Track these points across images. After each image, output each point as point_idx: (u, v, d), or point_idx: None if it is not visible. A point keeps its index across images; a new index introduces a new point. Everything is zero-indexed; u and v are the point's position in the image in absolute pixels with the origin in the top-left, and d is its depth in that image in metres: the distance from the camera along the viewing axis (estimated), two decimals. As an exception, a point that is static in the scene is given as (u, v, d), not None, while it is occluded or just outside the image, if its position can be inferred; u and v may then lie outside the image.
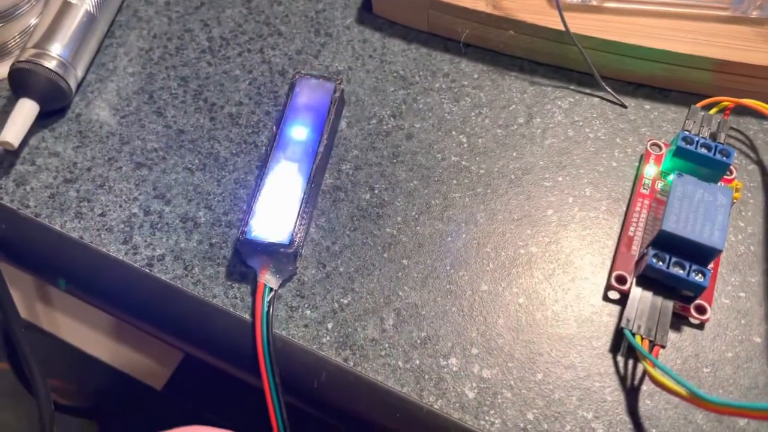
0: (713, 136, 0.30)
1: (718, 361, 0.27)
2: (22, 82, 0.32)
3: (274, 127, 0.31)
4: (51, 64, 0.32)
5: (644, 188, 0.31)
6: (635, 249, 0.29)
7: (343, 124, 0.34)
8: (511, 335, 0.28)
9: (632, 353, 0.27)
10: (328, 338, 0.28)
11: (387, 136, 0.33)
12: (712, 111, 0.32)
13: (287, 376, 0.27)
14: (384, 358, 0.27)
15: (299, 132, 0.31)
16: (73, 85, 0.33)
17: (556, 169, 0.32)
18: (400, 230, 0.30)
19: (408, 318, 0.28)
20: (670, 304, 0.27)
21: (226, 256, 0.30)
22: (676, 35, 0.33)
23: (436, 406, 0.26)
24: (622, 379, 0.27)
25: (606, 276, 0.29)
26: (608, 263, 0.30)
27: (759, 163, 0.32)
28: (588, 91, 0.35)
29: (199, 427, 0.22)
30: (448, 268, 0.29)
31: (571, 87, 0.35)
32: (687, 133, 0.30)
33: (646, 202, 0.30)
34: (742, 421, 0.26)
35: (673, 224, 0.26)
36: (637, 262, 0.29)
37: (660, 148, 0.32)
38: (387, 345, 0.28)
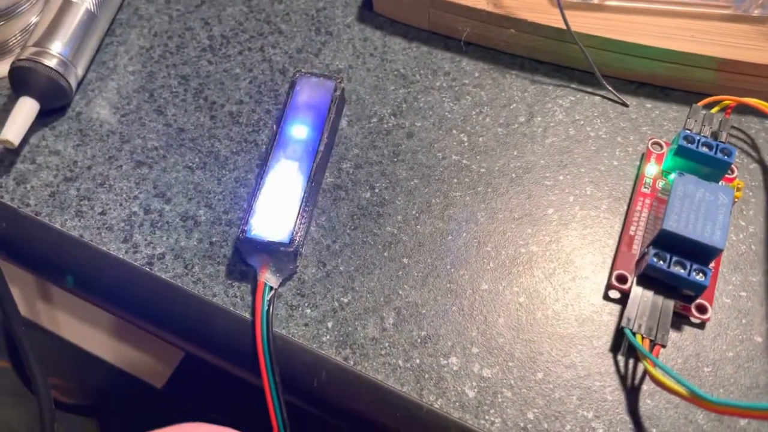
0: (715, 135, 0.30)
1: (719, 361, 0.27)
2: (22, 80, 0.32)
3: (275, 126, 0.31)
4: (51, 63, 0.32)
5: (645, 187, 0.31)
6: (636, 248, 0.29)
7: (343, 122, 0.33)
8: (511, 334, 0.28)
9: (633, 352, 0.27)
10: (328, 337, 0.28)
11: (387, 134, 0.33)
12: (714, 110, 0.32)
13: (287, 375, 0.27)
14: (384, 357, 0.27)
15: (300, 131, 0.31)
16: (73, 83, 0.33)
17: (557, 168, 0.32)
18: (401, 229, 0.30)
19: (408, 317, 0.28)
20: (670, 304, 0.27)
21: (227, 255, 0.30)
22: (678, 34, 0.33)
23: (436, 406, 0.26)
24: (623, 378, 0.27)
25: (607, 275, 0.29)
26: (609, 262, 0.29)
27: (760, 162, 0.32)
28: (589, 89, 0.35)
29: (196, 424, 0.22)
30: (448, 267, 0.29)
31: (573, 86, 0.35)
32: (688, 132, 0.29)
33: (647, 201, 0.30)
34: (743, 421, 0.26)
35: (674, 223, 0.26)
36: (638, 262, 0.28)
37: (661, 146, 0.32)
38: (387, 344, 0.28)
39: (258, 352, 0.27)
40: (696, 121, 0.30)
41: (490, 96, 0.34)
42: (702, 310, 0.28)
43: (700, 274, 0.26)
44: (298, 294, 0.29)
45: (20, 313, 0.32)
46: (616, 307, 0.28)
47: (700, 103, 0.31)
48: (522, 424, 0.26)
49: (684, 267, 0.26)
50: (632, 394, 0.27)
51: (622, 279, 0.28)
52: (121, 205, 0.31)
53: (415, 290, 0.29)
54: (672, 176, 0.30)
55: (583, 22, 0.33)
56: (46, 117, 0.33)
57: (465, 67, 0.35)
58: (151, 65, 0.35)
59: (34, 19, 0.35)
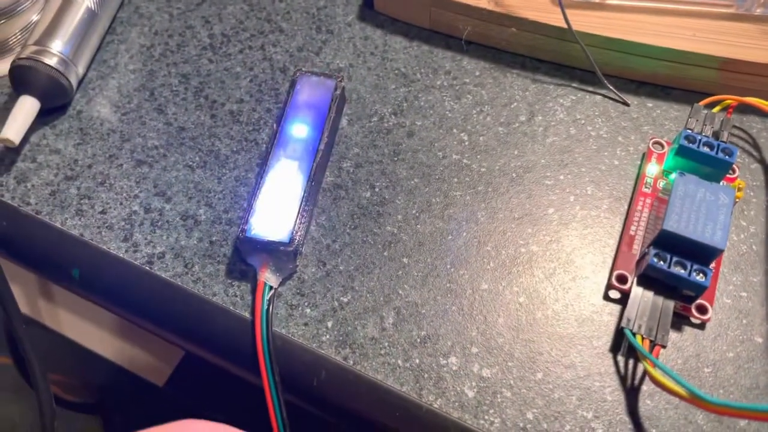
0: (716, 135, 0.30)
1: (719, 361, 0.27)
2: (23, 79, 0.32)
3: (275, 125, 0.31)
4: (52, 61, 0.32)
5: (646, 187, 0.31)
6: (636, 248, 0.29)
7: (344, 121, 0.33)
8: (511, 334, 0.28)
9: (633, 353, 0.27)
10: (327, 337, 0.28)
11: (388, 133, 0.33)
12: (715, 109, 0.32)
13: (287, 374, 0.27)
14: (384, 357, 0.27)
15: (300, 130, 0.31)
16: (74, 82, 0.33)
17: (557, 168, 0.32)
18: (401, 228, 0.30)
19: (408, 317, 0.28)
20: (671, 304, 0.27)
21: (227, 254, 0.30)
22: (679, 33, 0.33)
23: (435, 405, 0.26)
24: (623, 378, 0.27)
25: (607, 275, 0.29)
26: (609, 262, 0.29)
27: (762, 161, 0.32)
28: (590, 88, 0.34)
29: (194, 421, 0.22)
30: (448, 266, 0.29)
31: (574, 85, 0.35)
32: (689, 131, 0.29)
33: (648, 201, 0.30)
34: (743, 422, 0.26)
35: (674, 223, 0.26)
36: (638, 262, 0.28)
37: (662, 146, 0.32)
38: (387, 344, 0.28)
39: (258, 351, 0.27)
40: (697, 120, 0.30)
41: (491, 95, 0.34)
42: (702, 310, 0.28)
43: (701, 275, 0.26)
44: (298, 293, 0.29)
45: (20, 310, 0.32)
46: (616, 308, 0.28)
47: (702, 103, 0.31)
48: (521, 425, 0.26)
49: (684, 267, 0.26)
50: (632, 394, 0.27)
51: (622, 279, 0.28)
52: (121, 204, 0.31)
53: (414, 290, 0.29)
54: (673, 176, 0.30)
55: (584, 21, 0.33)
56: (46, 116, 0.33)
57: (466, 66, 0.35)
58: (151, 64, 0.35)
59: (34, 18, 0.35)
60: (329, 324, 0.28)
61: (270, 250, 0.28)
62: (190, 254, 0.30)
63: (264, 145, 0.33)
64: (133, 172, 0.32)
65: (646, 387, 0.27)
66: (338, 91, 0.32)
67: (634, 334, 0.26)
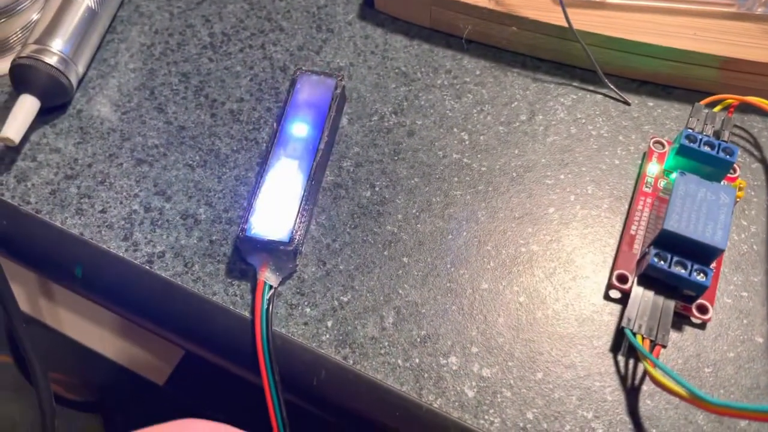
0: (717, 134, 0.30)
1: (720, 361, 0.27)
2: (23, 78, 0.32)
3: (275, 124, 0.31)
4: (52, 60, 0.32)
5: (647, 186, 0.31)
6: (637, 248, 0.29)
7: (344, 120, 0.33)
8: (511, 334, 0.28)
9: (633, 353, 0.27)
10: (327, 336, 0.28)
11: (388, 133, 0.33)
12: (716, 108, 0.32)
13: (286, 373, 0.27)
14: (383, 357, 0.27)
15: (300, 129, 0.31)
16: (74, 81, 0.33)
17: (558, 167, 0.32)
18: (401, 228, 0.30)
19: (408, 316, 0.28)
20: (671, 304, 0.27)
21: (226, 254, 0.30)
22: (681, 32, 0.33)
23: (435, 405, 0.26)
24: (623, 378, 0.27)
25: (607, 275, 0.29)
26: (610, 262, 0.29)
27: (763, 161, 0.32)
28: (591, 88, 0.34)
29: (194, 421, 0.22)
30: (448, 266, 0.29)
31: (574, 84, 0.35)
32: (690, 130, 0.29)
33: (649, 200, 0.30)
34: (743, 422, 0.26)
35: (675, 223, 0.26)
36: (639, 261, 0.28)
37: (663, 145, 0.31)
38: (387, 343, 0.28)
39: (258, 351, 0.27)
40: (698, 119, 0.30)
41: (492, 94, 0.34)
42: (703, 310, 0.27)
43: (701, 275, 0.26)
44: (298, 293, 0.29)
45: (20, 309, 0.32)
46: (617, 307, 0.28)
47: (703, 102, 0.31)
48: (521, 424, 0.26)
49: (685, 267, 0.26)
50: (632, 394, 0.27)
51: (622, 279, 0.28)
52: (121, 203, 0.31)
53: (414, 289, 0.29)
54: (673, 175, 0.30)
55: (585, 20, 0.33)
56: (46, 114, 0.33)
57: (466, 65, 0.35)
58: (151, 63, 0.35)
59: (35, 17, 0.35)
60: (329, 323, 0.28)
61: (270, 249, 0.28)
62: (190, 253, 0.30)
63: (264, 144, 0.33)
64: (133, 171, 0.32)
65: (647, 387, 0.27)
66: (338, 90, 0.32)
67: (634, 334, 0.26)
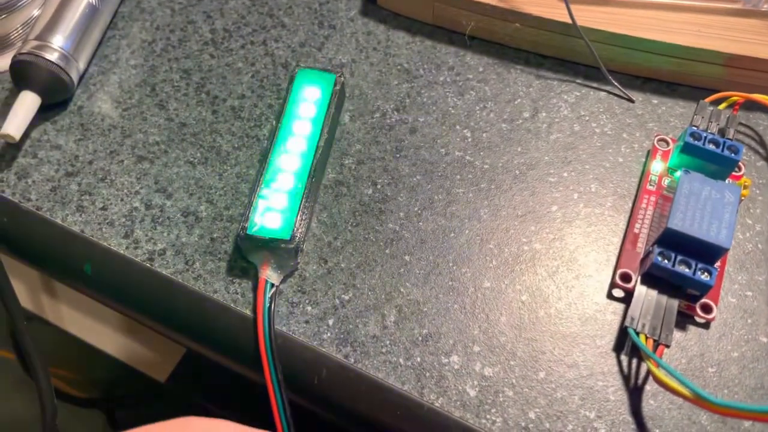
0: (722, 132, 0.30)
1: (724, 361, 0.27)
2: (23, 74, 0.32)
3: (274, 121, 0.31)
4: (53, 57, 0.32)
5: (651, 185, 0.30)
6: (641, 246, 0.29)
7: (346, 117, 0.33)
8: (513, 333, 0.28)
9: (636, 352, 0.27)
10: (328, 335, 0.28)
11: (390, 130, 0.33)
12: (721, 106, 0.31)
13: (287, 372, 0.27)
14: (385, 355, 0.27)
15: (299, 126, 0.30)
16: (75, 77, 0.33)
17: (561, 165, 0.32)
18: (403, 226, 0.30)
19: (409, 315, 0.28)
20: (675, 303, 0.27)
21: (227, 251, 0.30)
22: (685, 28, 0.32)
23: (437, 404, 0.26)
24: (626, 378, 0.27)
25: (610, 274, 0.29)
26: (613, 261, 0.29)
27: (768, 159, 0.32)
28: (595, 85, 0.34)
29: (195, 418, 0.22)
30: (450, 264, 0.29)
31: (578, 81, 0.34)
32: (695, 128, 0.29)
33: (653, 198, 0.30)
34: (747, 422, 0.26)
35: (679, 222, 0.26)
36: (643, 260, 0.28)
37: (667, 143, 0.31)
38: (388, 342, 0.27)
39: (260, 350, 0.27)
40: (703, 117, 0.30)
41: (495, 91, 0.34)
42: (707, 309, 0.27)
43: (706, 274, 0.26)
44: (299, 291, 0.29)
45: (21, 306, 0.32)
46: (620, 306, 0.28)
47: (708, 100, 0.31)
48: (523, 424, 0.26)
49: (689, 266, 0.26)
50: (635, 394, 0.26)
51: (626, 278, 0.28)
52: (122, 200, 0.31)
53: (416, 288, 0.29)
54: (678, 174, 0.30)
55: (588, 17, 0.33)
56: (47, 111, 0.33)
57: (469, 61, 0.35)
58: (153, 59, 0.35)
59: (35, 13, 0.35)
60: (330, 322, 0.28)
61: (271, 247, 0.28)
62: (190, 251, 0.30)
63: (265, 142, 0.32)
64: (134, 168, 0.32)
65: (650, 387, 0.26)
66: (338, 87, 0.31)
67: (637, 334, 0.26)
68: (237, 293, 0.29)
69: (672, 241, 0.26)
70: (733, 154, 0.28)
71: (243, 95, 0.34)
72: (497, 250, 0.30)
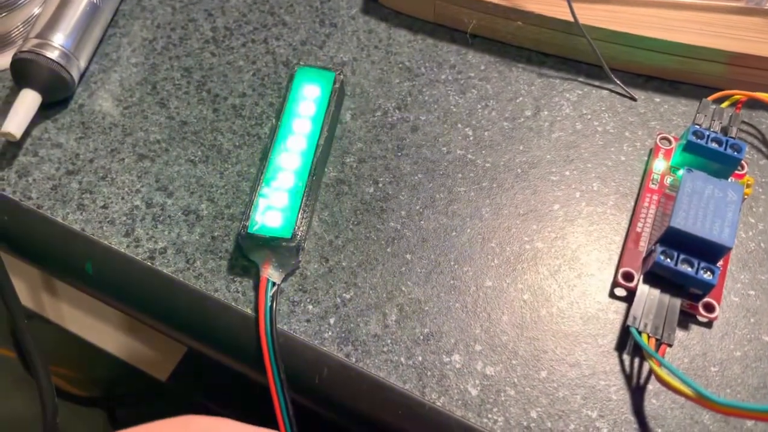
0: (724, 131, 0.29)
1: (726, 360, 0.27)
2: (24, 72, 0.31)
3: (275, 120, 0.31)
4: (53, 55, 0.31)
5: (653, 183, 0.30)
6: (643, 245, 0.29)
7: (347, 116, 0.33)
8: (515, 332, 0.28)
9: (638, 351, 0.27)
10: (330, 333, 0.28)
11: (392, 128, 0.33)
12: (724, 104, 0.31)
13: (288, 371, 0.27)
14: (386, 354, 0.27)
15: (299, 124, 0.30)
16: (75, 75, 0.33)
17: (563, 163, 0.32)
18: (404, 224, 0.30)
19: (411, 314, 0.28)
20: (677, 302, 0.27)
21: (228, 250, 0.29)
22: (688, 26, 0.32)
23: (438, 404, 0.26)
24: (628, 377, 0.27)
25: (613, 273, 0.29)
26: (615, 260, 0.29)
27: (771, 157, 0.32)
28: (597, 83, 0.34)
29: (196, 417, 0.22)
30: (452, 263, 0.29)
31: (580, 79, 0.34)
32: (697, 127, 0.29)
33: (655, 197, 0.30)
34: (750, 422, 0.26)
35: (682, 221, 0.26)
36: (645, 259, 0.28)
37: (670, 142, 0.31)
38: (389, 341, 0.27)
39: (262, 349, 0.27)
40: (705, 115, 0.30)
41: (496, 89, 0.34)
42: (709, 308, 0.27)
43: (708, 273, 0.26)
44: (300, 290, 0.29)
45: (21, 304, 0.32)
46: (622, 305, 0.28)
47: (710, 98, 0.31)
48: (525, 423, 0.26)
49: (691, 265, 0.26)
50: (637, 393, 0.26)
51: (628, 277, 0.28)
52: (123, 198, 0.31)
53: (418, 287, 0.29)
54: (680, 172, 0.30)
55: (590, 15, 0.32)
56: (48, 109, 0.33)
57: (471, 59, 0.35)
58: (154, 57, 0.35)
59: (36, 11, 0.35)
60: (331, 321, 0.28)
61: (272, 245, 0.28)
62: (191, 250, 0.29)
63: (266, 140, 0.32)
64: (135, 167, 0.32)
65: (652, 386, 0.26)
66: (337, 85, 0.31)
67: (640, 333, 0.26)
68: (238, 292, 0.28)
69: (674, 239, 0.26)
70: (735, 153, 0.28)
71: (244, 93, 0.34)
72: (499, 248, 0.29)
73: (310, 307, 0.28)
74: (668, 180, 0.30)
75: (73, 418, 0.50)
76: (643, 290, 0.27)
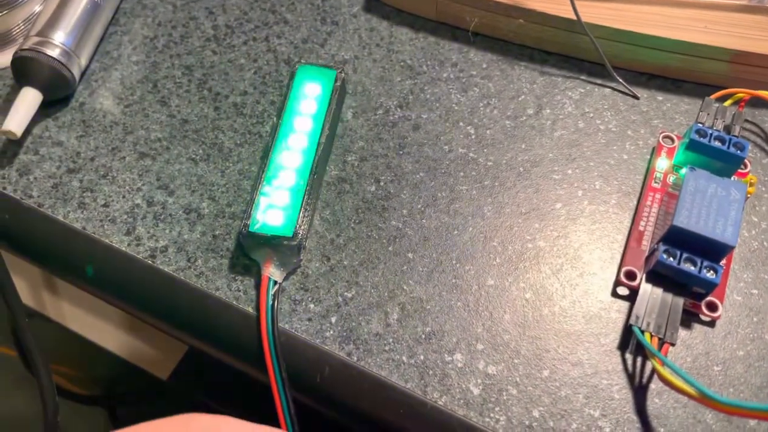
0: (727, 129, 0.29)
1: (729, 360, 0.27)
2: (25, 70, 0.31)
3: (276, 118, 0.31)
4: (54, 53, 0.31)
5: (656, 182, 0.30)
6: (645, 244, 0.29)
7: (348, 114, 0.33)
8: (517, 331, 0.27)
9: (641, 351, 0.27)
10: (331, 332, 0.28)
11: (393, 126, 0.33)
12: (727, 103, 0.31)
13: (290, 370, 0.27)
14: (388, 353, 0.27)
15: (301, 122, 0.30)
16: (76, 73, 0.33)
17: (565, 162, 0.32)
18: (406, 223, 0.30)
19: (413, 312, 0.28)
20: (680, 301, 0.27)
21: (230, 248, 0.29)
22: (691, 25, 0.32)
23: (440, 403, 0.26)
24: (630, 377, 0.27)
25: (615, 271, 0.29)
26: (618, 258, 0.29)
27: (774, 156, 0.32)
28: (599, 81, 0.34)
29: (197, 415, 0.22)
30: (454, 262, 0.29)
31: (582, 77, 0.34)
32: (700, 125, 0.29)
33: (658, 196, 0.30)
34: (753, 421, 0.26)
35: (684, 219, 0.26)
36: (648, 258, 0.28)
37: (672, 140, 0.31)
38: (391, 340, 0.27)
39: (264, 347, 0.27)
40: (708, 114, 0.30)
41: (498, 88, 0.34)
42: (712, 307, 0.27)
43: (711, 272, 0.26)
44: (302, 288, 0.28)
45: (22, 302, 0.32)
46: (625, 304, 0.28)
47: (713, 96, 0.31)
48: (527, 422, 0.26)
49: (694, 264, 0.26)
50: (640, 392, 0.26)
51: (630, 275, 0.28)
52: (123, 197, 0.31)
53: (419, 285, 0.29)
54: (683, 171, 0.30)
55: (593, 13, 0.32)
56: (49, 107, 0.33)
57: (473, 58, 0.35)
58: (155, 55, 0.35)
59: (37, 9, 0.35)
60: (333, 319, 0.28)
61: (273, 244, 0.28)
62: (193, 248, 0.29)
63: (268, 138, 0.32)
64: (136, 165, 0.32)
65: (655, 385, 0.26)
66: (338, 83, 0.31)
67: (642, 332, 0.26)
68: (239, 291, 0.28)
69: (677, 238, 0.26)
70: (738, 151, 0.28)
71: (245, 92, 0.34)
72: (501, 247, 0.29)
73: (312, 305, 0.28)
74: (671, 178, 0.30)
75: (74, 416, 0.50)
76: (646, 289, 0.27)
